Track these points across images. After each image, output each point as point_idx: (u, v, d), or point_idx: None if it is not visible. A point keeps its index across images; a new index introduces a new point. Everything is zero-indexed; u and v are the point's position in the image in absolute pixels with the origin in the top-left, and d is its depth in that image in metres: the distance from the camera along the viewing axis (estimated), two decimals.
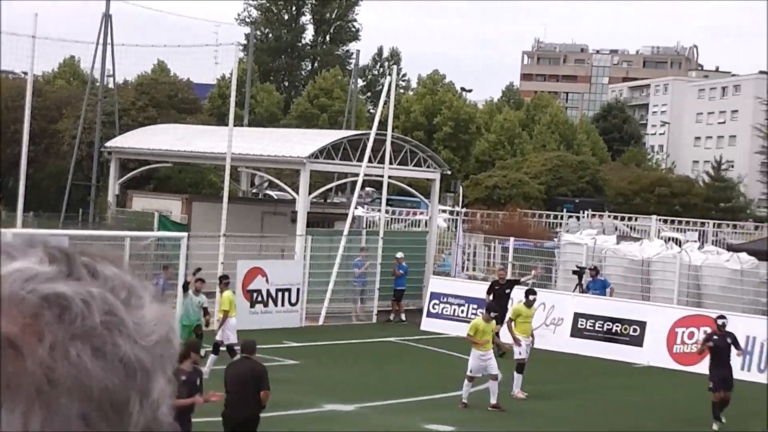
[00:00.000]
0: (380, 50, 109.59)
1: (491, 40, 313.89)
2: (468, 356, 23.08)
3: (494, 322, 23.37)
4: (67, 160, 49.01)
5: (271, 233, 36.62)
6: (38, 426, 1.01)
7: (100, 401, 1.04)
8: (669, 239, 41.91)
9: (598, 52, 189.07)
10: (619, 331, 30.38)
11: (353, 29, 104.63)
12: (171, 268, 27.58)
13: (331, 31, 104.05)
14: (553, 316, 31.12)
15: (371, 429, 20.11)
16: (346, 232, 34.69)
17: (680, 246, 36.64)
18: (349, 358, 28.05)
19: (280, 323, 30.71)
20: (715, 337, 22.60)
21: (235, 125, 34.31)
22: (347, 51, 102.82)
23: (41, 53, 43.85)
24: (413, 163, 37.92)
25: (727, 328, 22.62)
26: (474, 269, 41.12)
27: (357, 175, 35.90)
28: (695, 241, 42.27)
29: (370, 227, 42.66)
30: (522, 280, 31.22)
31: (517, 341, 24.20)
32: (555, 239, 41.56)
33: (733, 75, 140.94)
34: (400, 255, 35.17)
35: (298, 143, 36.45)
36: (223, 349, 23.61)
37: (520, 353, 24.15)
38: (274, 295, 31.35)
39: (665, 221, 56.60)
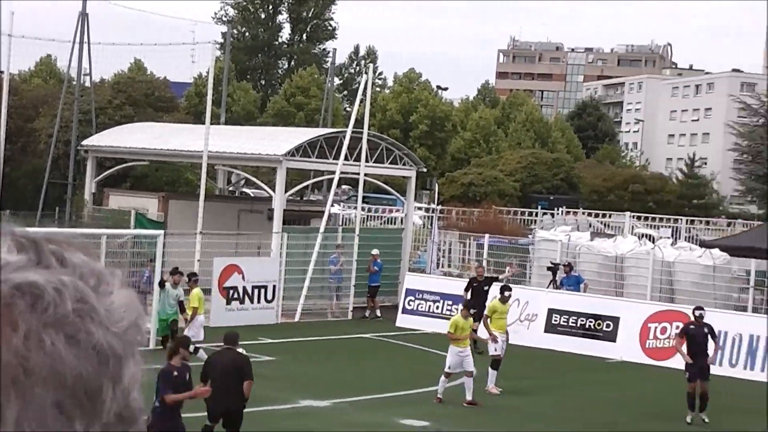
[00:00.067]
0: (357, 49, 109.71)
1: (467, 39, 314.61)
2: (443, 352, 23.30)
3: (472, 318, 23.64)
4: (43, 159, 48.94)
5: (248, 231, 36.77)
6: (14, 416, 1.01)
7: (74, 389, 1.03)
8: (642, 236, 42.15)
9: (573, 50, 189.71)
10: (592, 327, 30.65)
11: (330, 28, 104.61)
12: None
13: (308, 29, 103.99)
14: (528, 312, 31.36)
15: (347, 424, 20.26)
16: (322, 230, 34.85)
17: (653, 242, 36.88)
18: (325, 354, 28.19)
19: (256, 320, 30.79)
20: (692, 326, 22.96)
21: (211, 123, 34.45)
22: (324, 50, 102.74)
23: (17, 51, 44.06)
24: (389, 161, 38.12)
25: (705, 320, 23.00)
26: (449, 266, 41.31)
27: (333, 172, 36.09)
28: (668, 238, 42.50)
29: (346, 224, 42.83)
30: (500, 277, 31.44)
31: (493, 338, 24.45)
32: (530, 236, 41.79)
33: (707, 73, 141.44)
34: (375, 252, 35.37)
35: (274, 141, 36.58)
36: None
37: (495, 349, 24.40)
38: (250, 292, 31.44)
39: (639, 218, 56.87)
